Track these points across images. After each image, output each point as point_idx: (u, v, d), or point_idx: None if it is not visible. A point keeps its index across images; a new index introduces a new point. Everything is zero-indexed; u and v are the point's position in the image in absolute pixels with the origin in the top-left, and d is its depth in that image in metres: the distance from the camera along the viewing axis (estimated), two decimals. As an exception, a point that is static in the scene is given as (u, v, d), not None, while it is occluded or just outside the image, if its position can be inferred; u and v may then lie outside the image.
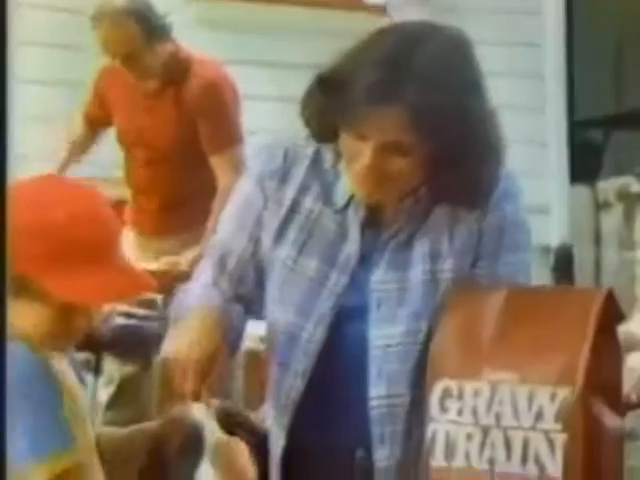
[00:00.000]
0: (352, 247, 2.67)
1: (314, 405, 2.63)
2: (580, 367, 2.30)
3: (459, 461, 2.36)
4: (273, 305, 2.72)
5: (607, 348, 2.38)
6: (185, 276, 6.02)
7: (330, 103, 2.59)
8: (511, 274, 2.63)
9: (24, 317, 2.51)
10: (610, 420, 2.35)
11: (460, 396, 2.38)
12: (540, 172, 9.00)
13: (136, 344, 6.23)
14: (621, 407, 2.42)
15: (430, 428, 2.42)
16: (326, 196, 2.70)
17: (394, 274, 2.62)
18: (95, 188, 2.64)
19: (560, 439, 2.28)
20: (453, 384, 2.40)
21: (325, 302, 2.65)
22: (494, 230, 2.64)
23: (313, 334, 2.64)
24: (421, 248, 2.63)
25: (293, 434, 2.67)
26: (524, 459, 2.30)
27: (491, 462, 2.33)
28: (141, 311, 6.19)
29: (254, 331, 3.01)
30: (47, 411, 2.52)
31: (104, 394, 6.39)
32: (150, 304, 6.19)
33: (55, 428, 2.52)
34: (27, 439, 2.48)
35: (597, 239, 8.69)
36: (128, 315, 6.18)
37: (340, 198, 2.69)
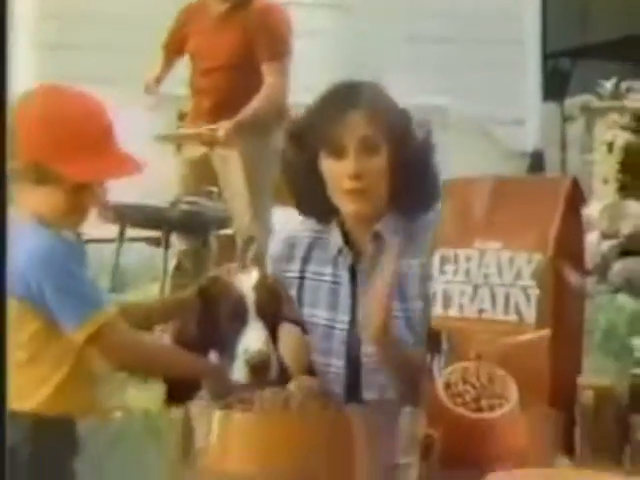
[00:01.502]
0: (345, 289, 2.70)
1: None
2: (551, 237, 2.30)
3: (454, 311, 2.35)
4: None
5: (573, 223, 2.37)
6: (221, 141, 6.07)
7: (306, 148, 2.65)
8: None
9: (41, 201, 2.52)
10: (574, 279, 2.36)
11: (455, 261, 2.37)
12: (518, 93, 8.96)
13: (197, 225, 6.25)
14: (584, 270, 2.42)
15: (431, 287, 2.41)
16: (323, 259, 2.73)
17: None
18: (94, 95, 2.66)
19: (534, 293, 2.28)
20: (450, 252, 2.39)
21: (338, 339, 2.68)
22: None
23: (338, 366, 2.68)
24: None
25: None
26: (506, 309, 2.30)
27: (480, 311, 2.33)
28: (202, 200, 6.20)
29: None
30: (76, 275, 2.50)
31: (171, 265, 6.43)
32: (209, 194, 6.21)
33: (88, 289, 2.50)
34: (67, 305, 2.46)
35: (563, 145, 8.71)
36: (192, 203, 6.20)
37: (332, 250, 2.71)
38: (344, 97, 2.64)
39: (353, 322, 2.70)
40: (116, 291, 6.57)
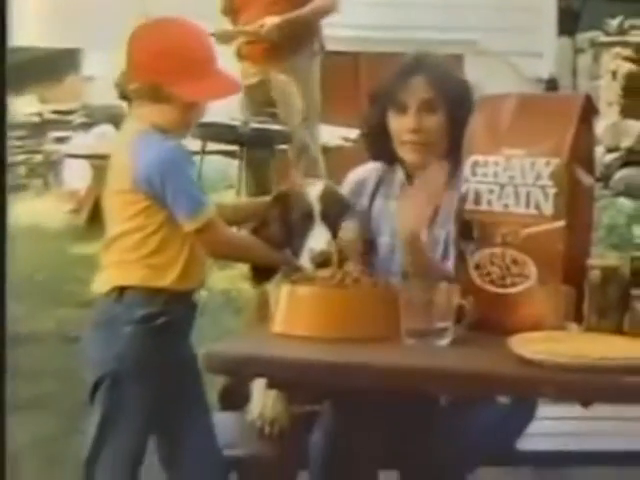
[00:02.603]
0: None
1: None
2: (566, 145, 2.30)
3: (484, 206, 2.35)
4: None
5: (585, 133, 2.36)
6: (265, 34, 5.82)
7: (378, 106, 2.65)
8: None
9: (157, 115, 2.53)
10: (585, 180, 2.36)
11: (485, 165, 2.37)
12: (536, 29, 8.86)
13: (264, 140, 6.27)
14: (593, 172, 2.41)
15: (464, 187, 2.41)
16: (388, 193, 2.70)
17: None
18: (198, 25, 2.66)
19: (552, 192, 2.28)
20: (480, 158, 2.38)
21: (396, 260, 2.64)
22: None
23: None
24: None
25: None
26: (527, 204, 2.31)
27: (505, 206, 2.33)
28: (267, 119, 6.22)
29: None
30: (191, 178, 2.52)
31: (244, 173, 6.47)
32: (273, 115, 6.22)
33: (197, 190, 2.51)
34: (183, 203, 2.47)
35: (574, 73, 8.62)
36: (260, 122, 6.22)
37: (395, 186, 2.70)
38: (411, 65, 2.65)
39: None
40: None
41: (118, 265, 2.54)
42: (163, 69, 2.50)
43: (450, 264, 2.51)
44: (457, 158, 2.51)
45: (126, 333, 2.49)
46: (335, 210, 2.64)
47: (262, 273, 2.65)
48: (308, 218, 2.60)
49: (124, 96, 2.60)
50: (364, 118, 2.75)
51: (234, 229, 2.71)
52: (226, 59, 6.09)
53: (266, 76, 6.02)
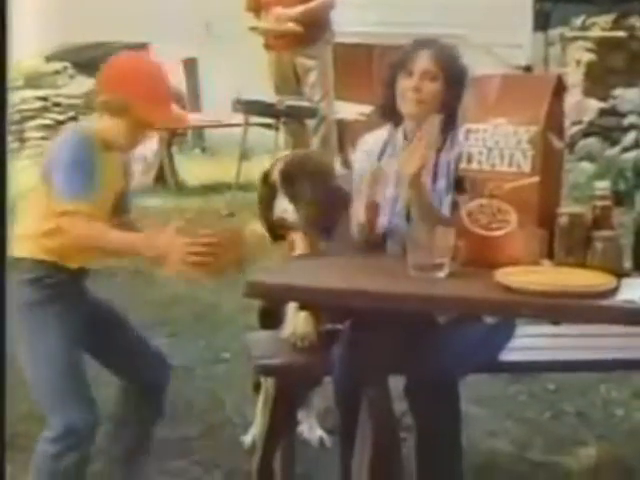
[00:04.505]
0: None
1: None
2: (542, 115, 2.27)
3: (475, 165, 2.33)
4: None
5: (557, 106, 2.34)
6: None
7: (391, 72, 2.60)
8: None
9: (111, 128, 2.41)
10: (557, 143, 2.33)
11: (476, 132, 2.34)
12: (516, 25, 8.82)
13: (296, 114, 6.24)
14: (563, 137, 2.39)
15: (458, 150, 2.40)
16: (393, 152, 2.63)
17: None
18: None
19: (530, 153, 2.26)
20: (472, 126, 2.35)
21: (401, 205, 2.56)
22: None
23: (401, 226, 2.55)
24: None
25: None
26: (510, 164, 2.28)
27: (492, 165, 2.30)
28: (297, 97, 6.19)
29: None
30: (82, 168, 2.33)
31: (280, 141, 6.44)
32: (300, 93, 6.19)
33: (81, 180, 2.31)
34: (62, 180, 2.31)
35: (546, 61, 8.59)
36: (291, 99, 6.18)
37: (397, 146, 2.63)
38: (421, 42, 2.63)
39: None
40: (243, 159, 6.61)
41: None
42: (134, 89, 2.40)
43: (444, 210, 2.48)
44: (449, 122, 2.48)
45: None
46: (299, 182, 2.56)
47: (277, 237, 2.62)
48: (273, 190, 2.56)
49: (88, 108, 2.51)
50: (380, 81, 2.71)
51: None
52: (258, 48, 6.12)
53: (291, 62, 6.02)
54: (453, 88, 2.52)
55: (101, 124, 2.43)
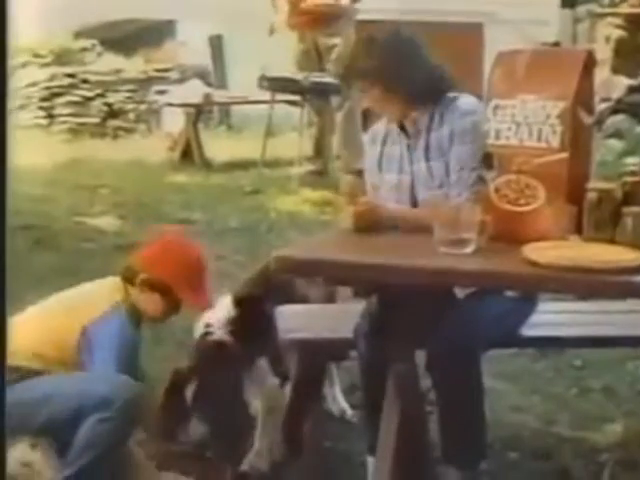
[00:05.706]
0: (406, 159, 2.60)
1: None
2: (571, 90, 2.25)
3: (503, 141, 2.31)
4: None
5: (587, 81, 2.30)
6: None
7: None
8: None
9: (147, 301, 2.57)
10: (586, 119, 2.30)
11: (504, 108, 2.32)
12: (544, 2, 8.74)
13: (320, 91, 6.23)
14: (592, 113, 2.36)
15: (486, 125, 2.36)
16: (393, 142, 2.63)
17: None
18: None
19: (559, 129, 2.24)
20: (500, 102, 2.32)
21: (404, 191, 2.58)
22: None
23: None
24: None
25: None
26: (538, 139, 2.26)
27: (520, 141, 2.28)
28: (321, 74, 6.19)
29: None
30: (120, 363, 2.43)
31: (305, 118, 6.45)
32: (324, 71, 6.19)
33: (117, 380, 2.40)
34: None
35: (574, 39, 8.53)
36: (316, 76, 6.19)
37: (396, 136, 2.63)
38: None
39: (412, 180, 2.61)
40: (269, 136, 6.61)
41: None
42: (176, 274, 2.55)
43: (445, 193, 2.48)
44: (414, 94, 2.51)
45: None
46: None
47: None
48: None
49: (126, 279, 2.59)
50: None
51: None
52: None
53: (314, 40, 6.02)
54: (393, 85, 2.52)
55: (136, 297, 2.58)
